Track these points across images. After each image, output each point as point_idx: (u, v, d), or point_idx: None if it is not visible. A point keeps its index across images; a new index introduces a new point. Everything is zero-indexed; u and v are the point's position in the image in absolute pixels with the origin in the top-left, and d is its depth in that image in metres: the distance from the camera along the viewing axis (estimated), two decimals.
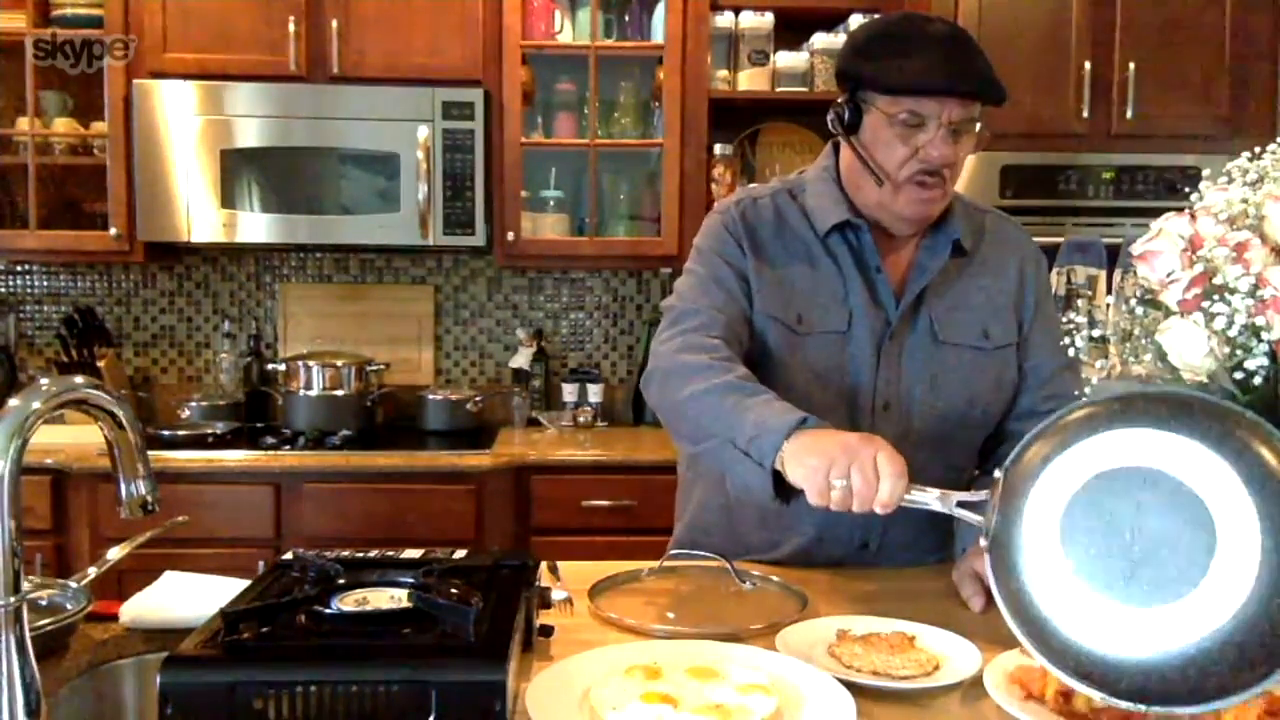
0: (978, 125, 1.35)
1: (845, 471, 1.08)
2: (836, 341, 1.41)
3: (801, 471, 1.12)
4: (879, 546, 1.46)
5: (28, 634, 0.85)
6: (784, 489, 1.18)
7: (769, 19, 2.98)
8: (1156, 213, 1.11)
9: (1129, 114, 2.69)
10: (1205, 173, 1.11)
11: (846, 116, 1.38)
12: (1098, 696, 0.85)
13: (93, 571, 1.25)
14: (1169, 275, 1.04)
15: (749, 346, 1.41)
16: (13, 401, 0.84)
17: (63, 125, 2.94)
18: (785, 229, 1.45)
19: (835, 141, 1.48)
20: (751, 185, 1.55)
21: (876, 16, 1.48)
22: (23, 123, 2.87)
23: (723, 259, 1.43)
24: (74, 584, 1.20)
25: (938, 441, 1.43)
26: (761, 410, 1.20)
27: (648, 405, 1.48)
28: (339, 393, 2.89)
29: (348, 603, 1.02)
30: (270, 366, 3.01)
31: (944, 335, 1.44)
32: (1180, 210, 1.08)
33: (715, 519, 1.52)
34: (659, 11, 2.95)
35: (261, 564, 2.31)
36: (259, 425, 2.97)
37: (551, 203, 3.09)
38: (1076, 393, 1.18)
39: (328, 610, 0.99)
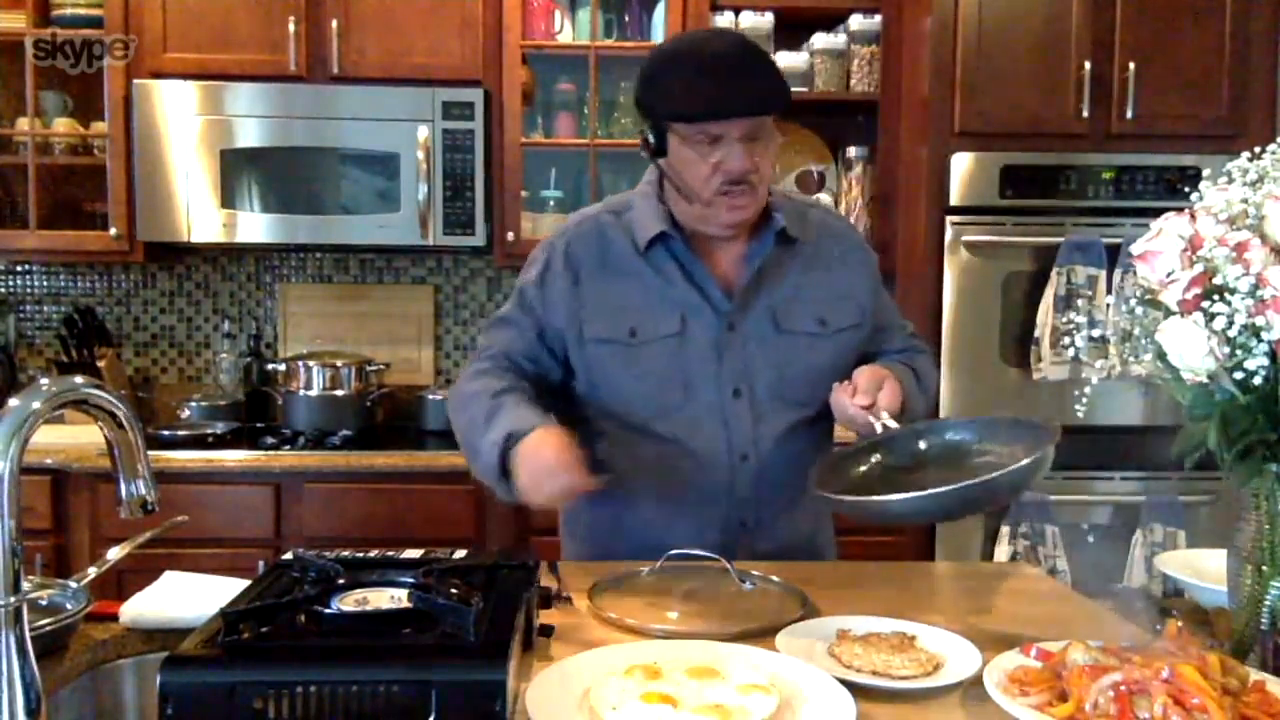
0: (772, 130, 1.42)
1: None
2: (673, 343, 1.49)
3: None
4: (756, 522, 1.52)
5: (28, 634, 0.85)
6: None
7: (769, 19, 2.98)
8: (1156, 213, 1.11)
9: (1129, 114, 2.68)
10: (1205, 173, 1.11)
11: (652, 141, 1.45)
12: None
13: (93, 571, 1.25)
14: (1169, 275, 1.04)
15: (588, 365, 1.51)
16: (13, 401, 0.84)
17: (63, 125, 2.94)
18: (609, 250, 1.52)
19: None
20: (584, 208, 1.63)
21: (676, 37, 1.57)
22: (23, 123, 2.87)
23: (523, 297, 1.54)
24: (74, 584, 1.21)
25: (790, 422, 1.52)
26: (487, 451, 1.36)
27: None
28: (339, 393, 2.89)
29: (348, 603, 1.02)
30: (270, 366, 3.00)
31: (784, 324, 1.52)
32: (1180, 210, 1.08)
33: (619, 523, 1.57)
34: (659, 11, 2.96)
35: (261, 564, 2.32)
36: (259, 425, 2.97)
37: (551, 203, 3.09)
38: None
39: (328, 610, 0.99)
